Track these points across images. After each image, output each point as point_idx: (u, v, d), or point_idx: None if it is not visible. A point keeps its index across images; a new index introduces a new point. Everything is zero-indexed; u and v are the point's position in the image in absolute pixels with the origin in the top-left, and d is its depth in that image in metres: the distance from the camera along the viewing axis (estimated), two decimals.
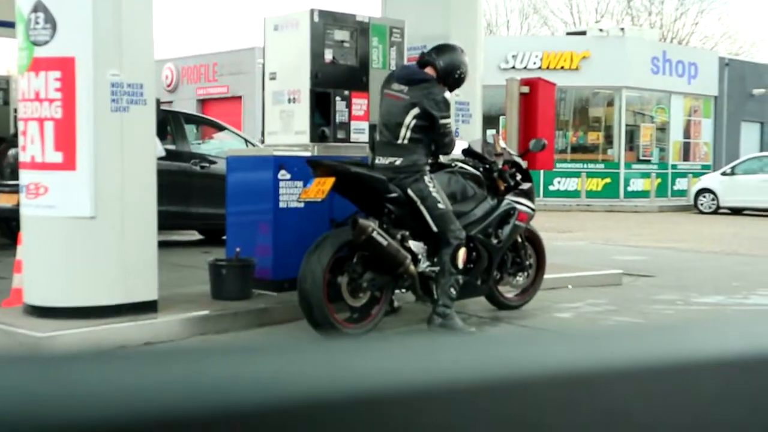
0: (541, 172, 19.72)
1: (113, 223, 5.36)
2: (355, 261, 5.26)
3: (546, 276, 6.67)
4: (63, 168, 5.29)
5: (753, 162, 21.35)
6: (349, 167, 5.28)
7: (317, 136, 6.61)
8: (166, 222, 7.21)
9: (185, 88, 32.00)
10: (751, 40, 58.46)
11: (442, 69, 5.61)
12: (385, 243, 5.14)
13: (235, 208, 6.73)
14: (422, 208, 5.42)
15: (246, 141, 10.83)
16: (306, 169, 5.61)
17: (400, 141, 5.48)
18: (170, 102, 28.31)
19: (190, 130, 10.69)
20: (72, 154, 5.28)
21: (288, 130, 6.73)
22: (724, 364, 0.61)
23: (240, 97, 30.11)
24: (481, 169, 6.04)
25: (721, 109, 28.01)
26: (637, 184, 25.04)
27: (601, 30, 26.72)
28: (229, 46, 31.63)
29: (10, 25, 6.55)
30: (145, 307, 5.44)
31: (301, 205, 6.14)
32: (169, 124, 9.78)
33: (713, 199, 21.03)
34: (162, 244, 6.07)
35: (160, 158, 6.81)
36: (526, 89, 8.14)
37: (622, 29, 27.33)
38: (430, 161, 5.65)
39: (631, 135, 25.79)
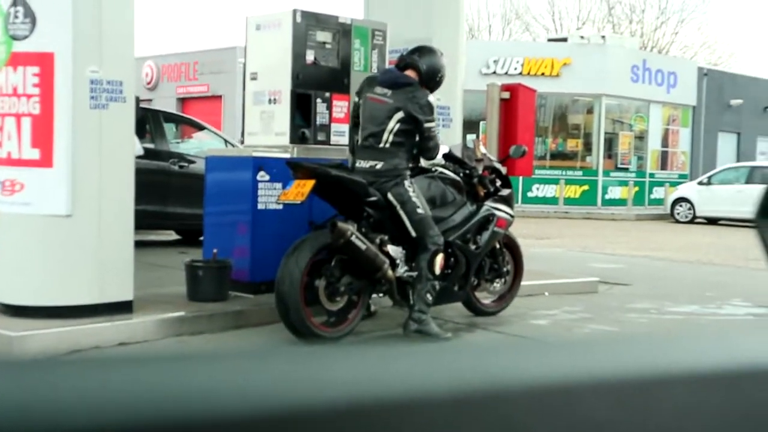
0: (520, 178, 19.79)
1: (90, 221, 5.31)
2: (333, 264, 5.24)
3: (523, 283, 6.68)
4: (40, 165, 5.24)
5: (729, 172, 21.54)
6: (329, 170, 5.27)
7: (297, 137, 6.59)
8: (143, 222, 7.16)
9: (165, 86, 31.85)
10: (729, 50, 59.14)
11: (425, 72, 5.61)
12: (363, 247, 5.13)
13: (213, 208, 6.70)
14: (401, 212, 5.42)
15: (225, 141, 10.79)
16: (285, 170, 5.59)
17: (382, 145, 5.47)
18: (150, 100, 28.15)
19: (169, 128, 10.63)
20: (49, 151, 5.23)
21: (268, 131, 6.71)
22: (699, 377, 0.61)
23: (220, 97, 30.01)
24: (461, 174, 6.05)
25: (699, 118, 28.26)
26: (614, 192, 25.21)
27: (582, 37, 26.93)
28: (211, 45, 31.56)
29: None
30: (121, 308, 5.39)
31: (280, 206, 6.12)
32: (148, 122, 9.72)
33: (690, 209, 21.20)
34: (139, 244, 6.03)
35: (139, 157, 6.77)
36: (506, 95, 8.16)
37: (603, 37, 27.54)
38: (410, 166, 5.64)
39: (610, 143, 25.97)
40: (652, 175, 26.58)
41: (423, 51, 5.71)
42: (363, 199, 5.34)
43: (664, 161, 27.40)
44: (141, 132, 8.86)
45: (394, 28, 7.12)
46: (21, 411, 0.44)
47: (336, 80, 6.78)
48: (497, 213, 6.14)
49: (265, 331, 5.63)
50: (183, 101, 31.25)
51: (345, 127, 6.72)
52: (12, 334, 4.87)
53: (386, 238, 5.40)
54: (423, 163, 5.87)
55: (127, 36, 5.49)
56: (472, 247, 5.96)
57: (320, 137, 6.72)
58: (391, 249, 5.43)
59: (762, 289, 7.68)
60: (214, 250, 6.18)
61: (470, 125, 17.53)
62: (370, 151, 5.51)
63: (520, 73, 24.07)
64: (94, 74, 5.27)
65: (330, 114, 6.76)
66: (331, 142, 6.75)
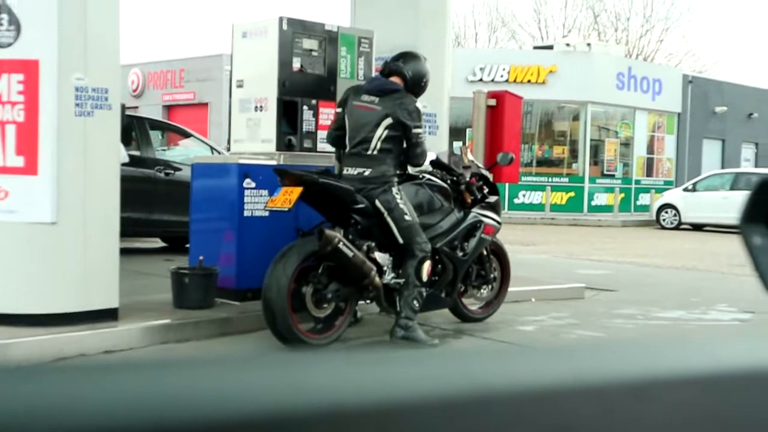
0: (507, 185, 19.84)
1: (75, 229, 5.29)
2: (320, 271, 5.24)
3: (510, 289, 6.69)
4: (24, 172, 5.21)
5: (714, 179, 21.67)
6: (316, 177, 5.26)
7: (283, 144, 6.59)
8: (128, 229, 7.14)
9: (151, 93, 31.78)
10: (714, 58, 59.53)
11: (411, 78, 5.62)
12: (351, 254, 5.13)
13: (199, 215, 6.68)
14: (389, 219, 5.42)
15: (212, 148, 10.77)
16: (271, 177, 5.58)
17: (370, 152, 5.47)
18: (136, 107, 28.09)
19: (155, 136, 10.61)
20: (34, 158, 5.20)
21: (254, 138, 6.70)
22: (684, 380, 0.62)
23: (206, 104, 29.96)
24: (448, 181, 6.06)
25: (684, 125, 28.41)
26: (600, 199, 25.29)
27: (567, 45, 27.02)
28: (197, 53, 31.47)
29: None
30: (106, 315, 5.37)
31: (266, 213, 6.11)
32: (134, 129, 9.69)
33: (675, 215, 21.30)
34: (124, 252, 6.00)
35: (124, 164, 6.74)
36: (493, 102, 8.18)
37: (589, 44, 27.66)
38: (398, 173, 5.65)
39: (596, 150, 26.06)
40: (637, 182, 26.69)
41: (407, 57, 5.72)
42: (350, 206, 5.34)
43: (649, 168, 27.53)
44: (127, 139, 8.83)
45: (380, 36, 7.13)
46: (4, 418, 0.44)
47: (322, 87, 6.78)
48: (484, 220, 6.15)
49: (251, 338, 5.62)
50: (169, 108, 31.19)
51: None
52: None
53: (373, 245, 5.40)
54: (410, 170, 5.87)
55: (113, 43, 5.47)
56: (460, 253, 5.97)
57: (306, 144, 6.71)
58: (379, 256, 5.43)
59: (747, 294, 7.72)
60: (200, 258, 6.16)
61: (457, 132, 17.58)
62: (357, 159, 5.51)
63: (507, 81, 24.15)
64: (80, 82, 5.25)
65: (316, 121, 6.76)
66: (318, 149, 6.75)
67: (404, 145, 5.54)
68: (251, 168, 6.30)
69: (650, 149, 27.65)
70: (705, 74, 35.88)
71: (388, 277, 5.48)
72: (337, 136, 5.71)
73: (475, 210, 6.14)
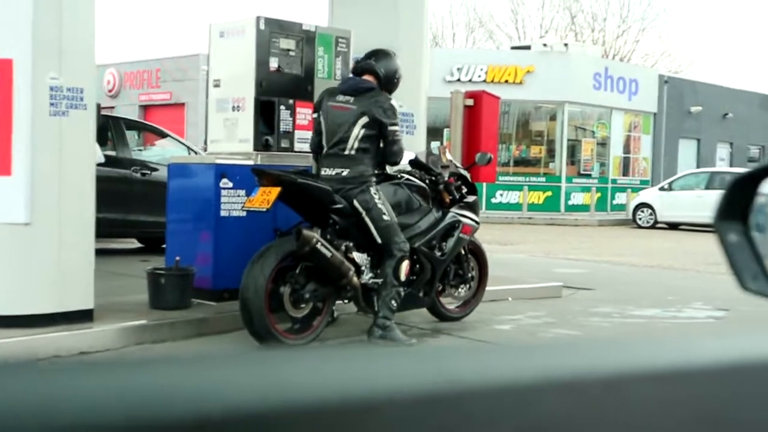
0: (484, 184, 19.91)
1: (49, 230, 5.24)
2: (298, 271, 5.23)
3: (487, 288, 6.71)
4: None
5: (689, 178, 21.85)
6: (295, 177, 5.26)
7: (261, 144, 6.57)
8: (104, 230, 7.09)
9: (127, 93, 31.59)
10: (689, 58, 59.93)
11: (384, 76, 5.63)
12: (329, 254, 5.12)
13: (176, 216, 6.64)
14: (367, 219, 5.42)
15: (188, 148, 10.71)
16: (248, 177, 5.56)
17: (347, 152, 5.47)
18: (112, 107, 27.89)
19: (131, 136, 10.54)
20: (7, 158, 5.15)
21: (231, 138, 6.67)
22: (658, 377, 0.62)
23: (183, 104, 29.82)
24: (427, 181, 6.06)
25: (660, 125, 28.63)
26: (577, 198, 25.43)
27: (545, 45, 27.13)
28: (174, 52, 31.29)
29: None
30: (81, 316, 5.33)
31: (243, 214, 6.08)
32: (109, 129, 9.63)
33: (651, 214, 21.45)
34: (100, 252, 5.96)
35: (100, 164, 6.70)
36: (470, 102, 8.21)
37: (566, 45, 27.80)
38: (376, 172, 5.65)
39: (573, 149, 26.20)
40: (614, 181, 26.86)
41: (378, 55, 5.72)
42: (328, 206, 5.33)
43: (626, 167, 27.71)
44: (102, 139, 8.77)
45: (358, 36, 7.12)
46: None
47: (300, 87, 6.76)
48: (463, 220, 6.16)
49: (228, 338, 5.60)
50: (145, 108, 31.01)
51: (309, 134, 6.69)
52: None
53: (351, 245, 5.40)
54: (389, 169, 5.88)
55: (88, 43, 5.43)
56: (438, 253, 5.97)
57: (284, 144, 6.70)
58: (357, 256, 5.42)
59: (721, 292, 7.78)
60: (177, 258, 6.13)
61: (434, 132, 17.60)
62: (335, 159, 5.51)
63: (484, 81, 24.23)
64: (54, 81, 5.21)
65: (294, 121, 6.74)
66: (295, 149, 6.73)
67: (381, 144, 5.54)
68: (228, 168, 6.28)
69: (626, 149, 27.84)
70: (680, 74, 36.18)
71: (366, 276, 5.48)
72: (319, 141, 5.69)
73: (454, 210, 6.15)
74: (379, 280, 5.46)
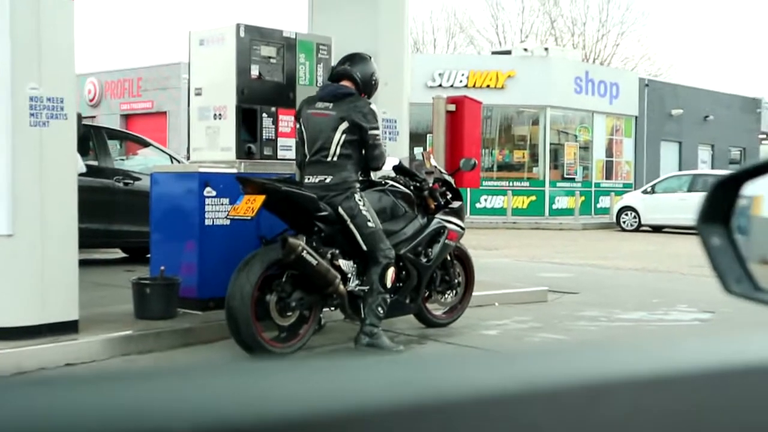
0: (468, 189, 19.96)
1: (32, 241, 5.21)
2: (284, 280, 5.21)
3: (473, 293, 6.71)
4: None
5: (672, 181, 21.97)
6: (279, 185, 5.24)
7: (243, 152, 6.55)
8: (87, 240, 7.05)
9: (109, 102, 31.46)
10: (669, 62, 60.38)
11: (361, 80, 5.63)
12: (314, 262, 5.11)
13: (160, 225, 6.61)
14: (352, 226, 5.41)
15: (171, 157, 10.68)
16: (232, 185, 5.54)
17: (330, 158, 5.46)
18: (93, 117, 27.78)
19: (113, 145, 10.50)
20: None
21: (214, 146, 6.65)
22: (642, 381, 0.62)
23: (165, 113, 29.71)
24: (411, 187, 6.06)
25: (642, 128, 28.79)
26: (561, 202, 25.52)
27: (525, 50, 27.25)
28: (154, 61, 31.20)
29: None
30: (66, 328, 5.29)
31: (227, 222, 6.07)
32: (91, 139, 9.59)
33: (635, 217, 21.55)
34: (84, 263, 5.92)
35: (82, 174, 6.66)
36: (452, 107, 8.22)
37: (546, 49, 27.91)
38: (360, 178, 5.64)
39: (556, 153, 26.31)
40: (597, 185, 26.98)
41: (353, 59, 5.72)
42: (313, 213, 5.32)
43: (609, 171, 27.84)
44: (84, 149, 8.73)
45: (338, 42, 7.11)
46: None
47: (281, 95, 6.75)
48: (448, 225, 6.17)
49: (214, 347, 5.57)
50: (127, 118, 30.88)
51: (291, 142, 6.69)
52: None
53: (337, 252, 5.39)
54: (373, 175, 5.87)
55: (68, 52, 5.40)
56: (424, 259, 5.97)
57: (267, 152, 6.68)
58: (343, 263, 5.41)
59: (706, 294, 7.82)
60: (162, 268, 6.10)
61: (417, 138, 17.60)
62: (318, 166, 5.50)
63: (466, 86, 24.28)
64: (34, 91, 5.18)
65: (276, 128, 6.73)
66: (278, 157, 6.72)
67: (363, 150, 5.53)
68: (212, 176, 6.26)
69: (609, 152, 27.97)
70: (661, 77, 36.40)
71: (353, 284, 5.47)
72: (303, 151, 5.68)
73: (439, 216, 6.15)
74: (366, 288, 5.45)
